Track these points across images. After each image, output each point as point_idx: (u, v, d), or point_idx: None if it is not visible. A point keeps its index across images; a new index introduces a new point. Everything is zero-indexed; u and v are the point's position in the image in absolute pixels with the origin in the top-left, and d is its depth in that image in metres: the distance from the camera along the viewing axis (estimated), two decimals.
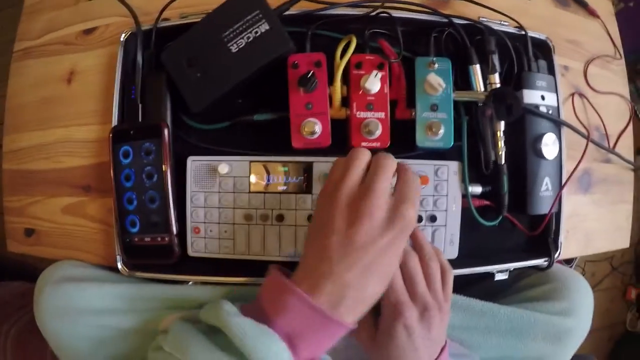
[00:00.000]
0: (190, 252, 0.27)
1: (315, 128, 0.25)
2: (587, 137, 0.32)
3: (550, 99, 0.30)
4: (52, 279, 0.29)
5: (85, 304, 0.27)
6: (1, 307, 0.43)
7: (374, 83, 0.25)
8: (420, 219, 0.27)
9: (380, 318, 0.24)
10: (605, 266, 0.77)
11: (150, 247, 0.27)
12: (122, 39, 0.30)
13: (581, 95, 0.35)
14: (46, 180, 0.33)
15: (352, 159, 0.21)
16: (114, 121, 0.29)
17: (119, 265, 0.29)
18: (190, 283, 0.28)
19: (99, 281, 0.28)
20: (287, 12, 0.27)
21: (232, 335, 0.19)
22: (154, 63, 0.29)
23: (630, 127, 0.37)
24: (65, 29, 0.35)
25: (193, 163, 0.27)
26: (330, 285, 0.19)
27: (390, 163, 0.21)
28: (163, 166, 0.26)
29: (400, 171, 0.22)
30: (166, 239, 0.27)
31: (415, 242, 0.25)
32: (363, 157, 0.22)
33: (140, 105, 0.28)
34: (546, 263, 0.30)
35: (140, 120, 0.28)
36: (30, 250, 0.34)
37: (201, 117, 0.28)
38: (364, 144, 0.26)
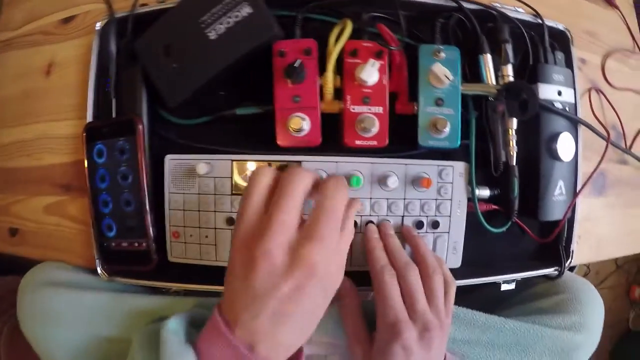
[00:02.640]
0: (170, 257, 0.23)
1: (303, 124, 0.20)
2: (607, 139, 0.27)
3: (568, 95, 0.26)
4: (34, 282, 0.26)
5: (64, 311, 0.24)
6: None
7: (371, 73, 0.21)
8: (421, 225, 0.23)
9: (375, 335, 0.20)
10: (610, 264, 0.73)
11: (127, 252, 0.23)
12: (97, 28, 0.25)
13: (598, 90, 0.30)
14: (28, 179, 0.30)
15: (250, 185, 0.17)
16: (89, 117, 0.25)
17: (99, 270, 0.25)
18: (171, 290, 0.24)
19: (79, 288, 0.25)
20: None
21: (160, 346, 0.17)
22: (130, 53, 0.24)
23: None
24: (45, 18, 0.30)
25: (171, 162, 0.23)
26: (239, 331, 0.16)
27: (298, 181, 0.16)
28: (138, 166, 0.22)
29: (321, 185, 0.17)
30: (143, 244, 0.23)
31: (416, 253, 0.21)
32: (262, 181, 0.17)
33: (114, 100, 0.23)
34: (556, 272, 0.26)
35: (114, 115, 0.23)
36: (15, 250, 0.30)
37: (180, 111, 0.24)
38: (358, 142, 0.21)
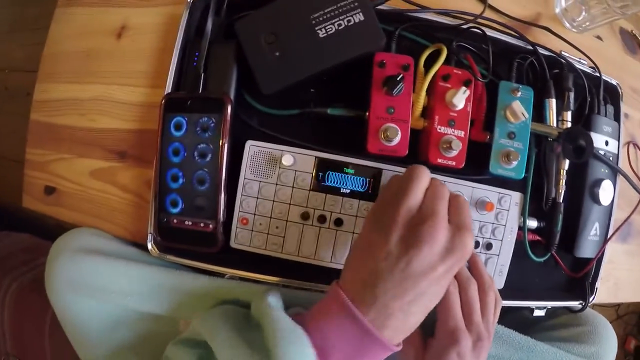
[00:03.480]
0: (233, 243, 0.24)
1: (396, 135, 0.22)
2: None
3: (613, 146, 0.29)
4: (70, 247, 0.25)
5: (104, 281, 0.24)
6: (4, 259, 0.38)
7: (461, 99, 0.23)
8: (477, 245, 0.25)
9: (432, 341, 0.21)
10: (611, 313, 0.78)
11: (190, 232, 0.23)
12: (189, 0, 0.26)
13: (635, 145, 0.33)
14: (76, 138, 0.29)
15: (414, 178, 0.19)
16: (168, 87, 0.25)
17: (149, 245, 0.25)
18: (227, 276, 0.24)
19: (122, 258, 0.25)
20: (379, 7, 0.24)
21: (264, 326, 0.17)
22: (222, 32, 0.25)
23: None
24: None
25: (252, 148, 0.24)
26: (373, 312, 0.17)
27: (447, 189, 0.19)
28: (220, 146, 0.23)
29: (452, 198, 0.19)
30: (210, 225, 0.23)
31: (475, 270, 0.23)
32: (425, 178, 0.19)
33: (202, 75, 0.24)
34: (580, 306, 0.29)
35: (200, 91, 0.24)
36: (48, 210, 0.29)
37: (267, 100, 0.24)
38: (440, 160, 0.23)
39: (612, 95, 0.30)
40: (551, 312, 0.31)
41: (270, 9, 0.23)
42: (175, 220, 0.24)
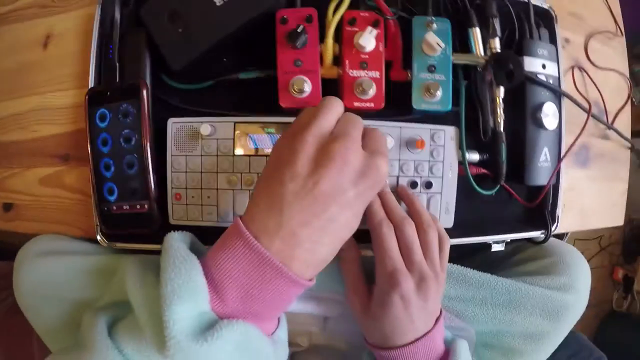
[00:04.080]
0: (172, 220, 0.25)
1: (305, 86, 0.22)
2: (589, 111, 0.30)
3: (552, 69, 0.28)
4: (31, 253, 0.27)
5: (61, 276, 0.25)
6: None
7: (368, 40, 0.23)
8: (415, 185, 0.25)
9: (374, 287, 0.22)
10: (594, 245, 0.77)
11: (129, 216, 0.25)
12: None
13: (581, 69, 0.33)
14: (22, 151, 0.30)
15: (326, 105, 0.18)
16: (91, 83, 0.26)
17: (98, 237, 0.26)
18: None
19: (78, 254, 0.26)
20: None
21: (162, 257, 0.17)
22: (133, 21, 0.26)
23: (629, 105, 0.35)
24: None
25: (174, 125, 0.24)
26: (278, 242, 0.16)
27: (361, 120, 0.19)
28: (142, 128, 0.24)
29: (367, 130, 0.19)
30: (145, 206, 0.24)
31: (411, 209, 0.23)
32: (337, 106, 0.18)
33: (117, 65, 0.25)
34: (543, 236, 0.29)
35: (117, 80, 0.25)
36: (10, 226, 0.31)
37: (183, 76, 0.25)
38: (356, 104, 0.23)
39: (546, 19, 0.30)
40: (515, 248, 0.31)
41: None
42: (114, 207, 0.25)
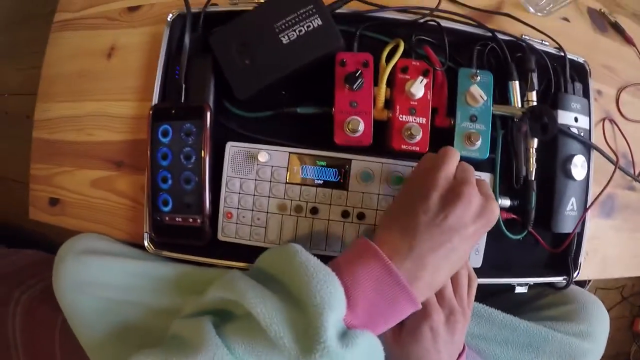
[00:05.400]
0: (220, 236, 0.28)
1: (359, 126, 0.26)
2: (616, 163, 0.33)
3: (583, 122, 0.32)
4: (75, 249, 0.29)
5: (105, 278, 0.28)
6: (15, 273, 0.43)
7: (419, 88, 0.26)
8: None
9: (406, 318, 0.24)
10: (616, 295, 0.78)
11: (180, 227, 0.28)
12: (169, 19, 0.31)
13: (611, 121, 0.36)
14: (76, 152, 0.34)
15: (448, 153, 0.23)
16: (155, 99, 0.30)
17: (146, 243, 0.29)
18: (218, 266, 0.28)
19: (122, 256, 0.29)
20: (337, 10, 0.28)
21: (290, 267, 0.19)
22: (199, 46, 0.29)
23: None
24: (108, 5, 0.35)
25: (232, 148, 0.28)
26: (409, 263, 0.20)
27: (473, 169, 0.23)
28: (202, 148, 0.27)
29: (478, 179, 0.23)
30: (198, 220, 0.27)
31: None
32: (457, 155, 0.23)
33: (183, 86, 0.28)
34: (565, 281, 0.31)
35: (182, 101, 0.28)
36: (53, 220, 0.34)
37: (243, 104, 0.29)
38: (404, 146, 0.27)
39: (580, 73, 0.33)
40: (538, 293, 0.33)
41: (238, 21, 0.27)
42: (167, 218, 0.28)
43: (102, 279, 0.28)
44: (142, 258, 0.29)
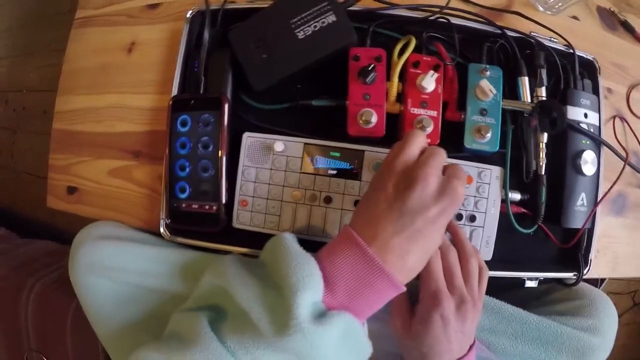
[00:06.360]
0: (235, 223, 0.29)
1: (372, 118, 0.27)
2: (625, 159, 0.34)
3: (593, 118, 0.33)
4: (92, 235, 0.31)
5: (122, 263, 0.29)
6: (29, 262, 0.46)
7: (429, 82, 0.28)
8: (460, 217, 0.29)
9: (417, 306, 0.25)
10: (627, 301, 0.77)
11: (196, 214, 0.29)
12: (188, 16, 0.33)
13: (622, 118, 0.37)
14: (95, 142, 0.36)
15: (411, 137, 0.23)
16: (174, 91, 0.31)
17: (162, 229, 0.31)
18: (233, 253, 0.29)
19: (139, 242, 0.30)
20: (351, 8, 0.30)
21: (276, 254, 0.20)
22: (217, 41, 0.31)
23: None
24: (128, 2, 0.38)
25: (248, 139, 0.29)
26: (376, 245, 0.20)
27: (444, 152, 0.23)
28: (220, 137, 0.29)
29: (448, 164, 0.24)
30: (214, 207, 0.29)
31: (456, 239, 0.27)
32: (420, 138, 0.23)
33: (202, 79, 0.30)
34: (575, 278, 0.32)
35: (201, 92, 0.30)
36: (70, 208, 0.36)
37: (260, 97, 0.30)
38: None
39: (589, 70, 0.34)
40: (548, 288, 0.34)
41: (256, 18, 0.29)
42: (184, 205, 0.30)
43: (119, 264, 0.29)
44: (159, 244, 0.31)
